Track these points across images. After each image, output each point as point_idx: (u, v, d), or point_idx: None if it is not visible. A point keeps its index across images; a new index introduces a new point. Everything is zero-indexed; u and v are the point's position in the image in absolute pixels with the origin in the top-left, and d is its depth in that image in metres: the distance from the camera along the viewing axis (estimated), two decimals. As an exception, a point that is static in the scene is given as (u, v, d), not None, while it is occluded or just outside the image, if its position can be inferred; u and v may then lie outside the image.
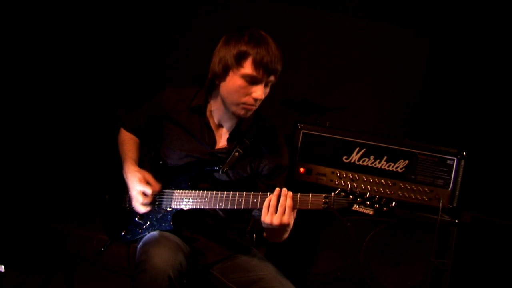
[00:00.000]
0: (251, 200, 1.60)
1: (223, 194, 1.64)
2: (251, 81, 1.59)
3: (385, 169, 2.08)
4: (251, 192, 1.61)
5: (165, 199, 1.74)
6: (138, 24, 4.35)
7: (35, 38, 3.34)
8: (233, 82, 1.61)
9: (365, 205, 1.48)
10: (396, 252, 2.07)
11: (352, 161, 2.10)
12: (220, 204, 1.64)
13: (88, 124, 3.95)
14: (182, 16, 4.50)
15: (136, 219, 1.78)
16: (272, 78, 1.62)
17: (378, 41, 4.30)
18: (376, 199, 1.49)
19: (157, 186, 1.73)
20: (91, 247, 2.96)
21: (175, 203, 1.71)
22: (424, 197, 2.05)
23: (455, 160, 2.04)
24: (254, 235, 1.99)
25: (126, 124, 1.97)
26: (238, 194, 1.62)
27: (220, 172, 1.72)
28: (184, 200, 1.70)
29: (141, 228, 1.75)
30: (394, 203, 1.48)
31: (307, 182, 2.11)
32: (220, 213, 1.80)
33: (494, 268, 2.71)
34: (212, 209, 1.70)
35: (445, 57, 3.90)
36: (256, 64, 1.55)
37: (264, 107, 1.76)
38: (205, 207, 1.67)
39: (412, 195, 2.06)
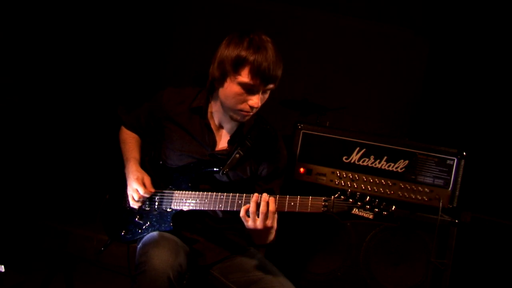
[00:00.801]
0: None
1: (223, 195, 1.64)
2: (248, 89, 1.57)
3: (385, 169, 2.08)
4: (251, 193, 1.60)
5: (165, 200, 1.74)
6: (139, 23, 4.35)
7: (37, 37, 3.34)
8: (230, 88, 1.60)
9: (365, 209, 1.48)
10: (396, 252, 2.07)
11: (352, 161, 2.10)
12: (220, 205, 1.64)
13: (89, 124, 3.95)
14: (183, 16, 4.50)
15: (136, 219, 1.78)
16: (270, 86, 1.60)
17: (378, 41, 4.29)
18: (376, 203, 1.48)
19: (149, 190, 1.73)
20: (91, 247, 2.96)
21: (175, 203, 1.71)
22: (424, 197, 2.05)
23: (455, 160, 2.04)
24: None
25: (127, 123, 1.97)
26: (238, 195, 1.61)
27: (221, 174, 1.72)
28: (184, 201, 1.70)
29: (141, 229, 1.76)
30: (394, 207, 1.47)
31: (307, 182, 2.11)
32: (220, 213, 1.80)
33: (494, 268, 2.71)
34: (212, 210, 1.70)
35: (445, 57, 3.90)
36: (253, 73, 1.53)
37: (264, 107, 1.75)
38: (205, 209, 1.68)
39: (412, 195, 2.06)
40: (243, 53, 1.54)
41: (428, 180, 2.06)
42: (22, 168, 3.36)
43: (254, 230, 1.59)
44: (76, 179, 3.76)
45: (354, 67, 4.31)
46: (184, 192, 1.71)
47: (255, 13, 4.35)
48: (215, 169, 1.72)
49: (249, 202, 1.57)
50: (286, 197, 1.56)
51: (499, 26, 3.38)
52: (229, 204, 1.62)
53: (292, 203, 1.55)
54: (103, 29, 3.99)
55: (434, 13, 4.05)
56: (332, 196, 1.52)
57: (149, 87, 4.25)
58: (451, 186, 2.04)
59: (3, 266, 1.79)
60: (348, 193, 1.51)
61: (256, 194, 1.57)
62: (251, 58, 1.53)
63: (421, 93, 4.20)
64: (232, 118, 1.68)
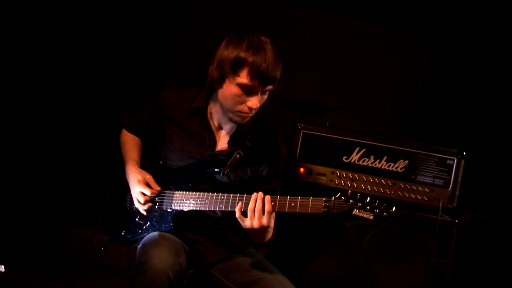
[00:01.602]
0: None
1: (224, 196, 1.64)
2: (247, 90, 1.57)
3: (385, 169, 2.08)
4: (251, 194, 1.60)
5: (165, 200, 1.74)
6: (139, 24, 4.35)
7: (38, 38, 3.34)
8: (229, 89, 1.60)
9: (365, 210, 1.48)
10: (396, 252, 2.07)
11: (352, 161, 2.10)
12: (221, 206, 1.64)
13: (89, 124, 3.95)
14: (183, 16, 4.50)
15: (137, 219, 1.78)
16: (269, 87, 1.60)
17: (378, 41, 4.30)
18: (376, 203, 1.48)
19: (157, 189, 1.74)
20: (91, 247, 2.96)
21: (175, 204, 1.71)
22: (424, 197, 2.05)
23: (455, 160, 2.04)
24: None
25: (127, 125, 1.97)
26: (239, 196, 1.61)
27: (221, 174, 1.71)
28: (184, 201, 1.70)
29: (141, 229, 1.76)
30: (394, 208, 1.47)
31: (307, 182, 2.11)
32: (220, 214, 1.80)
33: (494, 268, 2.71)
34: (212, 210, 1.70)
35: (445, 57, 3.90)
36: (252, 74, 1.53)
37: (264, 107, 1.75)
38: (205, 209, 1.68)
39: (412, 195, 2.06)
40: (242, 54, 1.53)
41: (428, 180, 2.06)
42: (22, 168, 3.36)
43: (251, 229, 1.59)
44: (76, 179, 3.76)
45: (354, 67, 4.31)
46: (184, 192, 1.71)
47: (255, 13, 4.35)
48: (215, 169, 1.72)
49: (249, 203, 1.57)
50: (287, 198, 1.56)
51: (499, 26, 3.38)
52: (229, 205, 1.62)
53: (293, 204, 1.55)
54: (103, 29, 3.99)
55: (434, 13, 4.06)
56: (333, 197, 1.52)
57: (149, 87, 4.25)
58: (451, 186, 2.04)
59: (3, 266, 1.79)
60: (348, 193, 1.51)
61: (255, 194, 1.57)
62: (250, 59, 1.52)
63: (421, 93, 4.20)
64: (231, 120, 1.68)
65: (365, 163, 2.09)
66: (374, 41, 4.30)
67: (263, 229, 1.58)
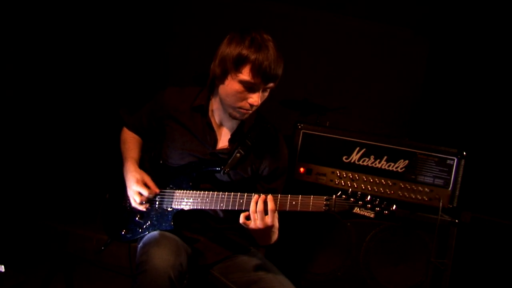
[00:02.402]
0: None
1: (224, 195, 1.64)
2: (248, 87, 1.58)
3: (385, 169, 2.08)
4: (252, 193, 1.60)
5: (166, 199, 1.74)
6: (139, 23, 4.35)
7: (38, 38, 3.34)
8: (231, 85, 1.60)
9: (366, 208, 1.48)
10: (396, 252, 2.07)
11: (352, 161, 2.10)
12: (221, 204, 1.64)
13: (88, 124, 3.95)
14: (183, 15, 4.50)
15: (137, 218, 1.78)
16: (270, 84, 1.60)
17: (378, 41, 4.30)
18: (377, 202, 1.48)
19: (155, 190, 1.74)
20: (91, 247, 2.96)
21: (176, 203, 1.71)
22: (424, 197, 2.05)
23: (455, 160, 2.04)
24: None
25: (128, 123, 1.97)
26: (239, 195, 1.62)
27: (222, 173, 1.72)
28: (185, 200, 1.70)
29: (142, 228, 1.76)
30: (395, 206, 1.48)
31: (307, 182, 2.11)
32: (221, 213, 1.80)
33: (494, 268, 2.71)
34: (213, 209, 1.70)
35: (445, 57, 3.90)
36: (254, 71, 1.54)
37: (264, 107, 1.76)
38: (205, 208, 1.68)
39: (412, 195, 2.06)
40: (245, 52, 1.54)
41: (428, 180, 2.06)
42: (22, 168, 3.36)
43: (256, 231, 1.59)
44: (76, 179, 3.76)
45: (354, 67, 4.32)
46: (185, 191, 1.71)
47: (255, 13, 4.36)
48: (216, 168, 1.72)
49: (250, 201, 1.57)
50: (288, 196, 1.57)
51: (499, 26, 3.38)
52: (230, 203, 1.62)
53: (294, 202, 1.55)
54: (103, 29, 3.99)
55: (434, 13, 4.06)
56: (334, 195, 1.53)
57: (149, 87, 4.26)
58: (451, 186, 2.04)
59: (3, 266, 1.79)
60: (349, 192, 1.52)
61: (256, 195, 1.57)
62: (253, 56, 1.53)
63: (421, 93, 4.20)
64: (231, 116, 1.68)
65: (365, 163, 2.09)
66: (374, 41, 4.30)
67: (268, 229, 1.58)
